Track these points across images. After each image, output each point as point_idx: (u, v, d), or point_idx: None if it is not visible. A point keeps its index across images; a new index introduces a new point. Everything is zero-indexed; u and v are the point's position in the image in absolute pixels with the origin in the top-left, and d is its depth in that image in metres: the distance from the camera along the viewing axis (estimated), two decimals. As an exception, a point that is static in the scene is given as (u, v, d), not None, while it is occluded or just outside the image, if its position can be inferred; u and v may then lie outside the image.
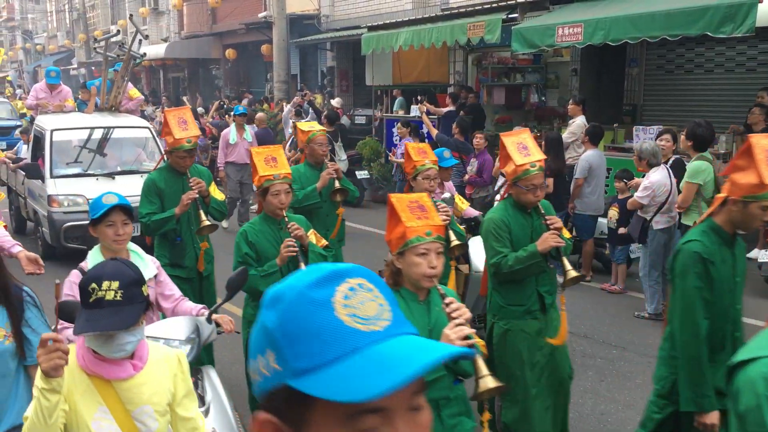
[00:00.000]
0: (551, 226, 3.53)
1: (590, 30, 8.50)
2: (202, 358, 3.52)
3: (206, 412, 3.06)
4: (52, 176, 8.28)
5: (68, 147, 8.70)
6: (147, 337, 3.00)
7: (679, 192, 6.03)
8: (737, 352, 1.71)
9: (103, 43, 9.99)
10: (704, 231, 2.85)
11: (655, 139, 6.73)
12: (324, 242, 3.98)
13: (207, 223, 4.51)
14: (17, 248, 3.89)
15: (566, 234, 3.64)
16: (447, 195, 5.00)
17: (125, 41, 10.04)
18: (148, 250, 3.63)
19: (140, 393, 2.14)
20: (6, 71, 34.99)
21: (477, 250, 4.90)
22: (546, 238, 3.48)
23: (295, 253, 3.64)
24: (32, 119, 10.24)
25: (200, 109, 16.72)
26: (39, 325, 2.52)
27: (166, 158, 4.84)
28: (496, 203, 7.26)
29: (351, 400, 0.78)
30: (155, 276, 3.27)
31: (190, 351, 3.09)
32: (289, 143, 12.19)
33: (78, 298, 2.14)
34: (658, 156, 6.18)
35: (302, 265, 3.63)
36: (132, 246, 3.26)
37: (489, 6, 11.07)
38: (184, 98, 21.23)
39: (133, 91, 9.95)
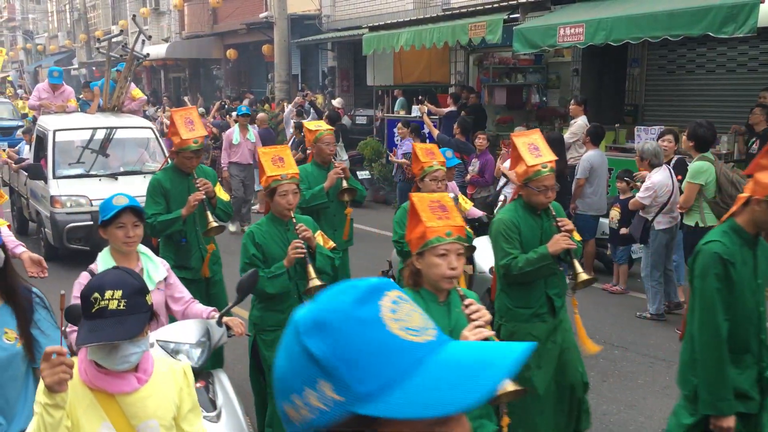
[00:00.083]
0: (562, 228, 3.50)
1: (592, 30, 8.50)
2: (213, 361, 3.50)
3: (218, 417, 3.03)
4: (54, 177, 8.28)
5: (71, 147, 8.70)
6: (157, 340, 2.98)
7: (681, 192, 6.03)
8: None
9: (105, 44, 9.99)
10: (725, 231, 2.79)
11: (657, 140, 6.74)
12: (331, 244, 3.94)
13: (214, 224, 4.46)
14: (20, 249, 3.86)
15: (576, 237, 3.60)
16: (451, 195, 5.01)
17: (126, 41, 10.05)
18: (154, 251, 3.61)
19: (145, 407, 2.07)
20: (7, 71, 34.98)
21: (481, 250, 4.91)
22: (557, 239, 3.45)
23: (303, 255, 3.60)
24: (35, 119, 10.24)
25: (201, 110, 16.71)
26: (48, 327, 2.49)
27: (170, 159, 4.81)
28: (499, 204, 7.31)
29: (441, 414, 0.76)
30: (165, 279, 3.23)
31: (200, 354, 3.07)
32: (290, 143, 12.21)
33: None
34: (659, 156, 6.19)
35: (310, 267, 3.60)
36: (142, 248, 3.22)
37: (490, 6, 11.07)
38: (186, 98, 21.23)
39: (136, 92, 9.94)
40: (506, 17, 10.36)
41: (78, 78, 31.94)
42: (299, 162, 11.84)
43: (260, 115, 12.22)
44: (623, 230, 6.77)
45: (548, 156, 3.53)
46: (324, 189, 4.98)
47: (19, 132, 14.76)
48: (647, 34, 8.01)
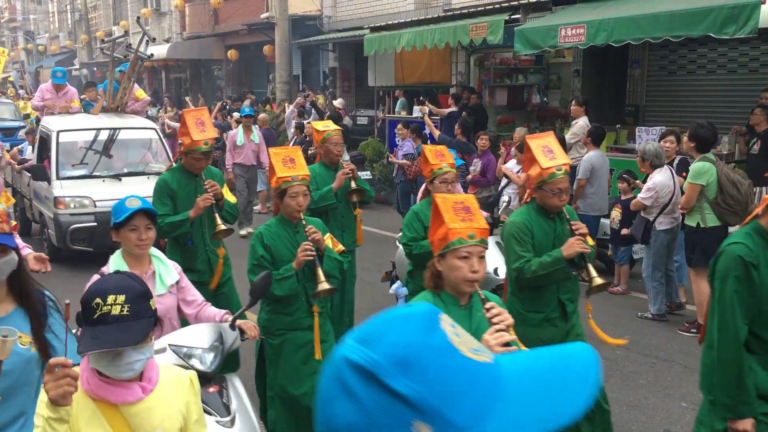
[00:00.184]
0: (576, 232, 3.46)
1: (593, 31, 8.51)
2: (228, 365, 3.46)
3: (231, 422, 3.01)
4: (58, 178, 8.28)
5: (74, 148, 8.70)
6: (170, 345, 2.95)
7: (682, 193, 6.05)
8: None
9: (109, 45, 10.00)
10: (748, 233, 2.72)
11: (659, 141, 6.76)
12: (340, 247, 3.88)
13: (223, 227, 4.41)
14: (27, 250, 3.89)
15: (590, 241, 3.56)
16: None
17: (128, 42, 10.06)
18: (162, 252, 3.58)
19: (150, 417, 1.97)
20: (8, 72, 35.04)
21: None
22: (572, 243, 3.41)
23: (312, 258, 3.55)
24: (38, 120, 10.26)
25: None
26: (62, 331, 2.39)
27: (176, 159, 4.74)
28: (502, 204, 7.32)
29: (550, 430, 0.73)
30: (177, 282, 3.20)
31: (213, 359, 3.05)
32: (291, 144, 12.23)
33: None
34: (661, 157, 6.20)
35: (319, 270, 3.56)
36: (154, 251, 3.19)
37: (491, 7, 11.09)
38: (187, 99, 21.24)
39: (140, 92, 9.95)
40: (507, 18, 10.38)
41: (79, 78, 31.99)
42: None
43: (262, 115, 12.24)
44: (624, 231, 6.79)
45: (562, 159, 3.50)
46: (332, 190, 4.93)
47: (21, 132, 14.77)
48: (648, 34, 8.03)
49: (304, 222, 3.65)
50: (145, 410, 1.96)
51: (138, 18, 11.00)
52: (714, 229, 5.87)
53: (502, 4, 10.91)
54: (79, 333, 2.60)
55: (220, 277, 4.62)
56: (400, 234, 6.54)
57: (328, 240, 3.75)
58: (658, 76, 11.31)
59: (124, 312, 1.89)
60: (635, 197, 6.47)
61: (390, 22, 13.24)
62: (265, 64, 20.88)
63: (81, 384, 1.91)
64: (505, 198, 7.57)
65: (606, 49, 9.46)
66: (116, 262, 3.09)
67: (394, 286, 4.53)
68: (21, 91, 23.43)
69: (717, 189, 5.80)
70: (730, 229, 6.53)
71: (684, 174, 6.12)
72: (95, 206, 8.07)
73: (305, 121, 12.71)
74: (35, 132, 9.95)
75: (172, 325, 3.19)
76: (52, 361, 1.80)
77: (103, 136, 8.79)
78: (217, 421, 2.95)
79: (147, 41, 9.20)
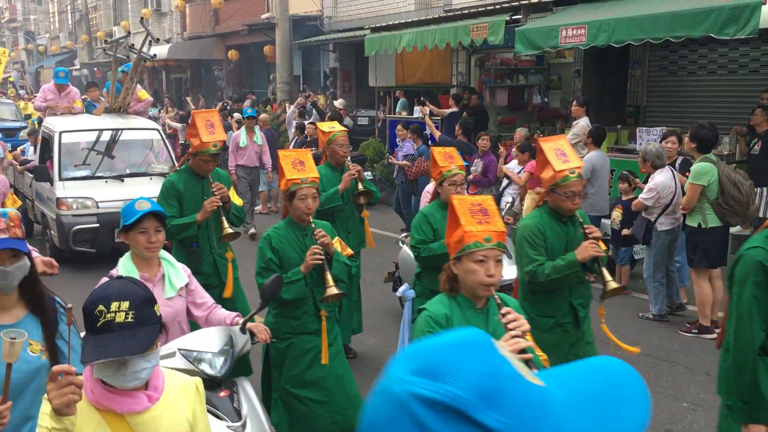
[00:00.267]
0: (590, 235, 3.43)
1: (594, 31, 8.53)
2: (240, 369, 3.44)
3: (243, 427, 2.98)
4: (60, 179, 8.26)
5: (77, 149, 8.68)
6: (179, 349, 2.92)
7: (684, 193, 6.07)
8: None
9: (112, 45, 10.00)
10: (767, 237, 2.69)
11: (660, 142, 6.77)
12: (349, 251, 3.83)
13: (229, 230, 4.37)
14: (34, 254, 3.89)
15: (602, 245, 3.54)
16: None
17: (130, 43, 10.07)
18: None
19: (157, 427, 1.92)
20: (8, 72, 35.03)
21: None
22: (586, 246, 3.38)
23: (321, 261, 3.51)
24: (40, 121, 10.26)
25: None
26: (72, 338, 2.40)
27: (184, 161, 4.70)
28: (506, 205, 7.32)
29: None
30: (186, 285, 3.18)
31: (223, 363, 3.02)
32: (292, 144, 12.25)
33: None
34: (662, 157, 6.21)
35: (327, 274, 3.52)
36: (164, 254, 3.16)
37: (492, 7, 11.10)
38: (188, 99, 21.27)
39: (142, 93, 9.93)
40: (508, 18, 10.39)
41: (79, 79, 31.99)
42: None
43: (262, 116, 12.26)
44: (625, 231, 6.81)
45: (575, 162, 3.48)
46: (339, 191, 4.89)
47: (23, 133, 14.77)
48: (649, 35, 8.04)
49: (313, 225, 3.61)
50: (151, 419, 1.91)
51: (141, 18, 11.01)
52: (715, 229, 5.90)
53: (503, 5, 10.92)
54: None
55: (226, 279, 4.57)
56: (403, 235, 6.59)
57: (337, 244, 3.72)
58: (658, 76, 11.33)
59: (129, 319, 1.83)
60: (636, 198, 6.49)
61: (391, 23, 13.26)
62: (266, 65, 20.90)
63: (85, 394, 1.85)
64: (508, 199, 7.59)
65: (607, 50, 9.47)
66: (125, 265, 3.07)
67: (401, 288, 4.52)
68: (21, 92, 23.45)
69: (718, 189, 5.82)
70: (731, 230, 6.57)
71: (687, 174, 6.14)
72: (98, 207, 8.07)
73: (306, 122, 12.73)
74: (37, 133, 9.95)
75: (182, 328, 3.17)
76: (55, 368, 1.76)
77: (106, 136, 8.78)
78: (228, 426, 2.92)
79: (150, 42, 9.19)
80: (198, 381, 2.11)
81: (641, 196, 6.28)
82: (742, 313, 2.67)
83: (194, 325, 3.30)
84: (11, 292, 2.37)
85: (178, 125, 15.70)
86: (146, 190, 8.10)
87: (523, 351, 2.15)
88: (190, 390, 2.05)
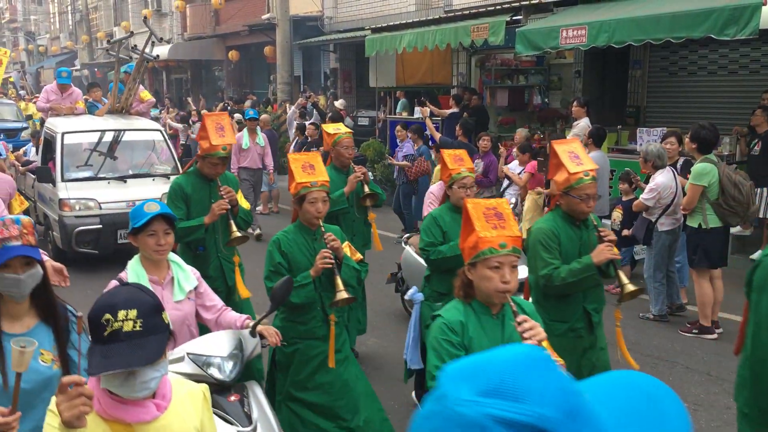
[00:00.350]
0: (606, 239, 3.40)
1: (594, 32, 8.55)
2: (253, 373, 3.40)
3: (253, 431, 2.96)
4: (63, 180, 8.25)
5: (79, 150, 8.66)
6: (188, 353, 2.89)
7: (685, 194, 6.08)
8: None
9: (114, 45, 9.99)
10: None
11: (660, 142, 6.79)
12: (358, 256, 3.78)
13: (238, 234, 4.33)
14: (44, 257, 3.84)
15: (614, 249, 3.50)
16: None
17: (132, 44, 10.07)
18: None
19: None
20: (9, 72, 35.05)
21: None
22: (602, 249, 3.34)
23: (331, 266, 3.48)
24: (42, 121, 10.26)
25: (204, 112, 16.81)
26: (83, 346, 2.33)
27: (192, 163, 4.67)
28: (510, 207, 7.31)
29: None
30: (195, 287, 3.15)
31: (232, 368, 3.00)
32: (293, 145, 12.28)
33: None
34: (663, 158, 6.22)
35: (337, 278, 3.49)
36: (173, 257, 3.14)
37: (493, 8, 11.13)
38: (188, 99, 21.29)
39: (145, 94, 9.92)
40: (509, 19, 10.42)
41: (80, 79, 32.02)
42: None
43: (263, 116, 12.29)
44: (625, 231, 6.83)
45: (589, 164, 3.45)
46: (344, 194, 4.86)
47: (24, 134, 14.78)
48: (650, 36, 8.06)
49: (323, 229, 3.58)
50: (160, 428, 1.86)
51: (144, 18, 11.01)
52: (715, 229, 5.91)
53: (504, 6, 10.94)
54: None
55: (232, 283, 4.54)
56: (406, 236, 6.60)
57: (347, 248, 3.69)
58: (659, 77, 11.35)
59: (137, 327, 1.76)
60: (636, 198, 6.50)
61: (391, 23, 13.28)
62: (266, 65, 20.93)
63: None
64: (512, 200, 7.60)
65: (607, 50, 9.50)
66: (134, 268, 3.05)
67: (410, 291, 4.50)
68: (22, 92, 23.48)
69: (718, 190, 5.83)
70: (732, 230, 6.59)
71: (687, 176, 6.16)
72: (100, 208, 8.07)
73: (307, 122, 12.75)
74: (39, 134, 9.96)
75: (191, 332, 3.14)
76: (64, 379, 1.71)
77: (108, 137, 8.77)
78: (239, 431, 2.89)
79: (153, 42, 9.16)
80: (205, 388, 2.07)
81: (642, 196, 6.29)
82: (760, 320, 2.63)
83: (203, 328, 3.28)
84: (23, 301, 2.33)
85: (179, 125, 15.74)
86: (149, 191, 8.18)
87: None
88: (197, 397, 2.01)
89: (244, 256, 4.90)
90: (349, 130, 5.28)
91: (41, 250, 2.37)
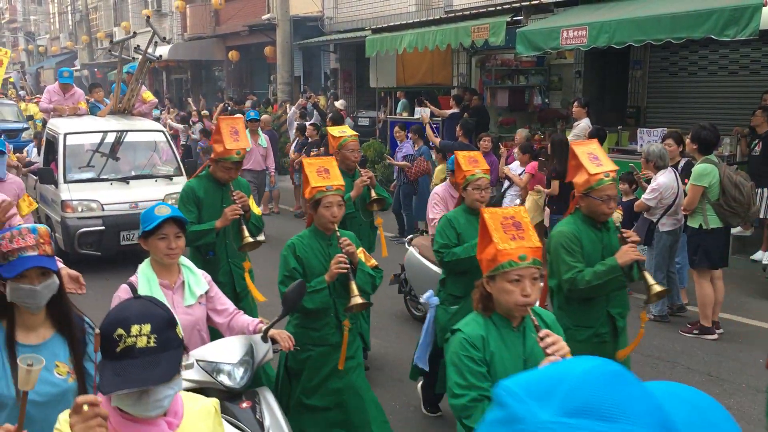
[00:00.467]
0: (629, 240, 3.36)
1: (594, 33, 8.57)
2: (262, 379, 3.36)
3: None
4: (65, 181, 8.24)
5: (81, 151, 8.65)
6: (198, 360, 2.83)
7: (686, 194, 6.10)
8: None
9: (117, 45, 9.99)
10: None
11: (661, 142, 6.80)
12: (373, 262, 3.75)
13: (250, 239, 4.29)
14: (59, 264, 3.75)
15: None
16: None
17: (129, 44, 10.08)
18: None
19: None
20: (9, 73, 35.06)
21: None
22: (626, 250, 3.30)
23: (346, 270, 3.44)
24: (44, 122, 10.27)
25: (205, 112, 16.83)
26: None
27: (205, 167, 4.62)
28: (509, 207, 7.32)
29: None
30: (206, 292, 3.12)
31: (243, 374, 2.96)
32: (293, 146, 12.29)
33: None
34: (665, 158, 6.24)
35: (352, 284, 3.45)
36: (184, 260, 3.10)
37: (493, 9, 11.14)
38: (189, 100, 21.31)
39: (147, 94, 9.92)
40: (509, 19, 10.43)
41: (80, 79, 32.03)
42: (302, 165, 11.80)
43: (264, 117, 12.31)
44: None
45: (609, 165, 3.41)
46: (351, 198, 4.83)
47: (24, 134, 14.79)
48: (650, 36, 8.08)
49: (338, 234, 3.55)
50: None
51: (147, 18, 11.01)
52: (716, 230, 5.93)
53: (504, 6, 10.96)
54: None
55: (240, 289, 4.50)
56: (409, 236, 6.62)
57: (361, 254, 3.64)
58: (659, 77, 11.37)
59: (151, 343, 1.69)
60: (637, 198, 6.52)
61: (391, 24, 13.30)
62: (266, 65, 20.94)
63: None
64: (517, 201, 7.62)
65: (607, 51, 9.51)
66: (145, 272, 3.02)
67: (426, 295, 4.46)
68: (22, 92, 23.49)
69: (719, 191, 5.85)
70: (732, 231, 6.61)
71: (686, 180, 6.19)
72: (103, 210, 8.06)
73: (307, 123, 12.76)
74: (41, 134, 9.95)
75: (202, 337, 3.10)
76: (78, 399, 1.65)
77: (111, 138, 8.75)
78: None
79: (156, 42, 9.15)
80: (216, 402, 2.01)
81: (644, 196, 6.31)
82: None
83: (214, 332, 3.24)
84: (39, 311, 2.28)
85: (179, 126, 15.76)
86: (151, 193, 8.19)
87: None
88: (209, 413, 1.95)
89: (255, 262, 4.82)
90: (354, 133, 5.25)
91: (57, 258, 2.33)
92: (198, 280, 3.11)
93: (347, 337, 3.57)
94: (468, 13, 11.75)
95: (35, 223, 4.60)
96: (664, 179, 6.19)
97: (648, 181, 6.29)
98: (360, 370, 3.74)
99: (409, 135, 9.96)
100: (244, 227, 4.30)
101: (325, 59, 19.29)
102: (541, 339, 2.17)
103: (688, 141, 6.28)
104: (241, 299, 4.46)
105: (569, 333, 3.32)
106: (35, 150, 10.62)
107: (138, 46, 9.36)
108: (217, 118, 15.86)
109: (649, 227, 6.35)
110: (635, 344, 3.49)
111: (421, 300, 4.69)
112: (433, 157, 9.77)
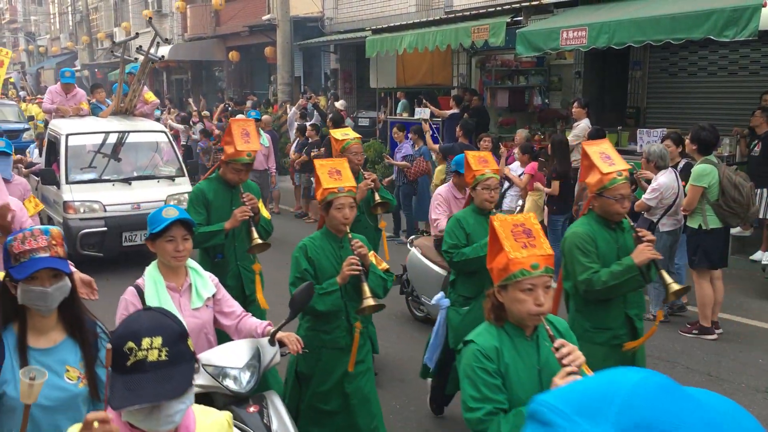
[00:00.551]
0: (644, 239, 3.32)
1: (594, 33, 8.59)
2: (269, 383, 3.32)
3: None
4: (67, 182, 8.24)
5: (83, 152, 8.65)
6: (203, 365, 2.81)
7: (686, 195, 6.12)
8: None
9: (120, 46, 10.00)
10: None
11: (661, 143, 6.82)
12: (385, 265, 3.72)
13: (259, 241, 4.26)
14: (72, 269, 3.70)
15: None
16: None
17: (131, 44, 10.10)
18: None
19: None
20: (9, 73, 35.09)
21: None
22: (642, 249, 3.27)
23: (358, 272, 3.42)
24: (46, 123, 10.28)
25: (205, 112, 16.85)
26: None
27: (215, 168, 4.62)
28: (516, 209, 7.34)
29: None
30: (213, 294, 3.09)
31: (249, 378, 2.93)
32: (293, 146, 12.31)
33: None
34: (665, 159, 6.26)
35: (364, 285, 3.44)
36: (191, 263, 3.08)
37: (493, 9, 11.16)
38: (189, 100, 21.33)
39: (149, 95, 9.93)
40: (509, 20, 10.45)
41: (80, 80, 32.06)
42: (303, 165, 11.76)
43: (264, 117, 12.33)
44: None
45: (621, 164, 3.38)
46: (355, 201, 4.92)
47: (26, 135, 14.80)
48: (650, 37, 8.10)
49: (350, 236, 3.53)
50: None
51: (150, 19, 11.03)
52: (716, 230, 5.96)
53: (504, 7, 10.98)
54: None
55: (249, 292, 4.48)
56: (411, 237, 6.63)
57: (372, 257, 3.62)
58: (659, 78, 11.39)
59: (162, 357, 1.63)
60: (637, 199, 6.54)
61: (392, 24, 13.32)
62: (267, 66, 20.96)
63: None
64: (520, 202, 7.64)
65: (607, 51, 9.53)
66: (152, 275, 2.99)
67: (436, 297, 4.45)
68: (22, 93, 23.50)
69: (719, 191, 5.87)
70: (732, 231, 6.63)
71: (683, 183, 6.21)
72: (105, 211, 8.06)
73: (307, 123, 12.79)
74: (43, 135, 9.96)
75: (209, 340, 3.08)
76: (89, 416, 1.62)
77: (113, 139, 8.75)
78: None
79: (158, 42, 9.16)
80: (228, 416, 1.96)
81: (644, 196, 6.33)
82: None
83: (222, 335, 3.22)
84: (50, 314, 2.25)
85: (180, 126, 15.78)
86: (153, 193, 8.21)
87: None
88: (222, 427, 1.89)
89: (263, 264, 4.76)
90: (357, 135, 5.24)
91: (69, 262, 2.28)
92: (205, 282, 3.09)
93: (358, 339, 3.55)
94: (468, 13, 11.77)
95: (39, 224, 4.59)
96: (665, 179, 6.21)
97: (648, 181, 6.31)
98: (369, 375, 3.72)
99: (409, 135, 9.98)
100: (254, 229, 4.28)
101: (325, 60, 19.32)
102: (557, 349, 2.12)
103: (687, 141, 6.30)
104: (250, 303, 4.42)
105: (588, 335, 3.29)
106: (37, 151, 10.63)
107: (140, 46, 9.39)
108: (217, 118, 16.03)
109: (649, 227, 6.37)
110: (646, 338, 3.48)
111: (431, 302, 4.69)
112: (433, 157, 9.78)
